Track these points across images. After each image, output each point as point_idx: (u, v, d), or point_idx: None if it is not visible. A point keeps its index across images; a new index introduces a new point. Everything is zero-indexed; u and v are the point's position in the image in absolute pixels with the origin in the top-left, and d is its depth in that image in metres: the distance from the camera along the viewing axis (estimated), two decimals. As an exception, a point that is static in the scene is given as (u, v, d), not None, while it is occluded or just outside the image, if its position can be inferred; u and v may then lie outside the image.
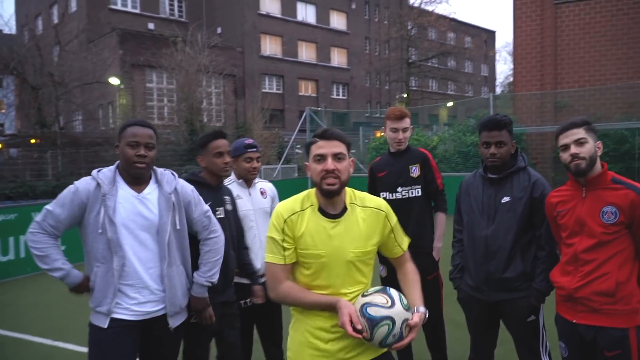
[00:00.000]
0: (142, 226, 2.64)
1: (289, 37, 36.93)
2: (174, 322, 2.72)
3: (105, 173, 2.65)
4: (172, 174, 2.86)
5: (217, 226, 2.99)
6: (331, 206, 2.20)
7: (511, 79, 46.09)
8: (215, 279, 2.92)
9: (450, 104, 29.20)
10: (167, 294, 2.67)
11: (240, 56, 32.77)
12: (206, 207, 2.98)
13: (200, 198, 2.95)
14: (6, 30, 30.46)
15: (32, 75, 20.96)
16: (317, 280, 2.17)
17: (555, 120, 13.81)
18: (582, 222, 2.60)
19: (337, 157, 2.15)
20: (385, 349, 2.20)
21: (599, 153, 2.63)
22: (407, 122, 3.74)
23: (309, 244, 2.15)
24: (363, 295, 2.14)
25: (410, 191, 3.73)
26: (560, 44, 14.09)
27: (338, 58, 40.61)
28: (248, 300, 3.61)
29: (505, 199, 2.98)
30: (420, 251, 3.56)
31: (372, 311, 2.05)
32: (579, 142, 2.57)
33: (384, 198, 3.68)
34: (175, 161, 17.60)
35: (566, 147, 2.62)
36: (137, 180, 2.69)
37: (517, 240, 2.94)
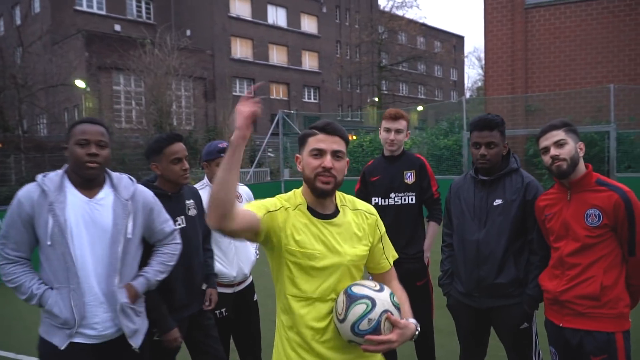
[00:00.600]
0: (95, 235, 2.37)
1: (259, 40, 36.68)
2: (136, 342, 2.45)
3: (52, 178, 2.37)
4: (130, 178, 2.60)
5: (178, 235, 2.76)
6: (320, 206, 2.03)
7: (480, 84, 46.92)
8: (156, 284, 2.63)
9: (420, 108, 29.41)
10: (119, 310, 2.39)
11: (210, 59, 32.35)
12: (167, 215, 2.73)
13: (161, 205, 2.70)
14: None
15: (-7, 77, 20.25)
16: (307, 284, 1.96)
17: (526, 123, 13.97)
18: (567, 225, 2.57)
19: (337, 154, 1.98)
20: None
21: (581, 154, 2.61)
22: (402, 123, 3.60)
23: (305, 242, 1.96)
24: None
25: (403, 198, 3.59)
26: (530, 48, 14.28)
27: (309, 61, 40.53)
28: (223, 310, 3.44)
29: (497, 202, 2.88)
30: (410, 257, 3.45)
31: (355, 289, 1.92)
32: (559, 144, 2.57)
33: (376, 204, 3.58)
34: (143, 165, 17.15)
35: (546, 149, 2.62)
36: (89, 183, 2.42)
37: (510, 244, 2.83)
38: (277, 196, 2.07)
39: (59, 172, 2.43)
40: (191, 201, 3.12)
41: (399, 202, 3.57)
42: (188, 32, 31.80)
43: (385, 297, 1.90)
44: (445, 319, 3.85)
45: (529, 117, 14.05)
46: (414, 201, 3.59)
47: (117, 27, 31.13)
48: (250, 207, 1.96)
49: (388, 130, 3.60)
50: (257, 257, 3.72)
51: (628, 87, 12.80)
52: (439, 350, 3.87)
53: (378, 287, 1.93)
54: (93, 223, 2.37)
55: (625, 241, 2.49)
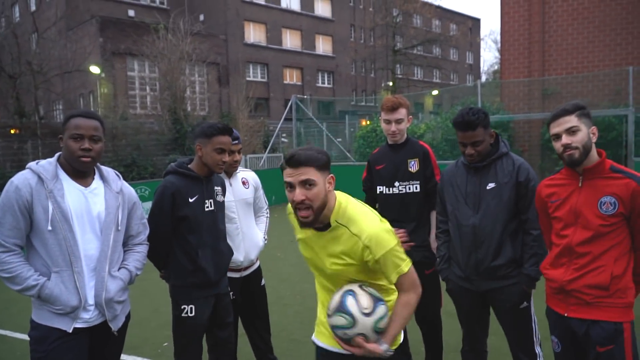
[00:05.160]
0: (90, 223, 2.47)
1: (273, 25, 36.49)
2: (116, 325, 2.58)
3: (45, 166, 2.44)
4: (116, 173, 2.70)
5: (146, 237, 2.85)
6: None
7: (496, 67, 46.25)
8: (134, 279, 2.72)
9: (435, 92, 29.13)
10: (105, 298, 2.50)
11: (224, 44, 32.28)
12: (144, 213, 2.84)
13: (140, 202, 2.80)
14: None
15: (9, 63, 20.37)
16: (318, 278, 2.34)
17: (542, 107, 13.76)
18: (577, 212, 2.49)
19: (307, 183, 1.99)
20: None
21: (594, 139, 2.48)
22: (401, 112, 3.52)
23: (301, 246, 2.28)
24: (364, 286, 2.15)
25: (407, 186, 3.55)
26: (548, 30, 13.99)
27: (323, 46, 40.27)
28: (231, 293, 3.49)
29: (491, 185, 2.94)
30: (417, 246, 3.42)
31: (349, 303, 2.06)
32: (571, 131, 2.44)
33: (381, 192, 3.57)
34: (159, 151, 17.27)
35: (557, 136, 2.49)
36: (82, 174, 2.51)
37: (505, 226, 2.90)
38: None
39: (51, 160, 2.49)
40: (219, 188, 3.25)
41: (404, 191, 3.54)
42: (201, 17, 31.74)
43: (369, 323, 2.02)
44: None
45: (546, 101, 13.81)
46: (418, 190, 3.55)
47: (131, 13, 31.21)
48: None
49: (388, 122, 3.55)
50: (266, 242, 3.74)
51: (648, 69, 12.51)
52: (451, 334, 3.86)
53: (369, 310, 2.03)
54: (88, 211, 2.47)
55: (638, 231, 2.42)
